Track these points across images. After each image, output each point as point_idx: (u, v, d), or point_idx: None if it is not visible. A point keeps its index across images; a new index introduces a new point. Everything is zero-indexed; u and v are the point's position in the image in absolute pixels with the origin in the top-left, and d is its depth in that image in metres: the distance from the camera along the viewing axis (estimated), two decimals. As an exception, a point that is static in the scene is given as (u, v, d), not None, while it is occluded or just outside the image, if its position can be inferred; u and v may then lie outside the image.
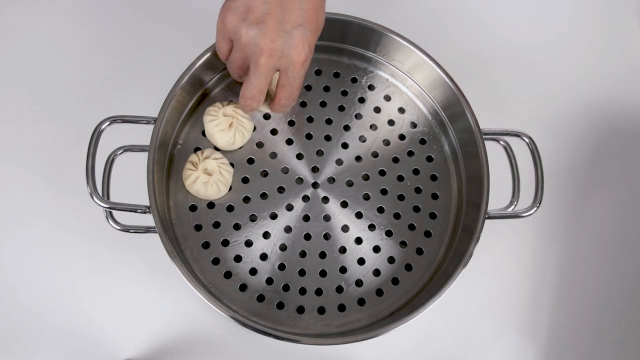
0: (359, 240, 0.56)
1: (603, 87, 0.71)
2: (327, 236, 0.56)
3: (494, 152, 0.56)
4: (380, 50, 0.61)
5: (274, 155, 0.58)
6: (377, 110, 0.61)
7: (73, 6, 0.71)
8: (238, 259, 0.55)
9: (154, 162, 0.52)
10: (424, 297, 0.54)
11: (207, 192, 0.55)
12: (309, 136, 0.59)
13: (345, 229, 0.56)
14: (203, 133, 0.58)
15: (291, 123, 0.60)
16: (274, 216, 0.56)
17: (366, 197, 0.58)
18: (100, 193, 0.51)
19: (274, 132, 0.59)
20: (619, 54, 0.73)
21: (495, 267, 0.63)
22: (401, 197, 0.58)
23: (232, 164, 0.57)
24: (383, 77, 0.62)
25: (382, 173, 0.59)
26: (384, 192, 0.58)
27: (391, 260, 0.56)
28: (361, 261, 0.56)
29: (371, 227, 0.57)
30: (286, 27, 0.47)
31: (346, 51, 0.62)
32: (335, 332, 0.53)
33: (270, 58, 0.48)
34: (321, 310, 0.54)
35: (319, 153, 0.59)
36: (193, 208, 0.56)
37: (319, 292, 0.54)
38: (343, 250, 0.56)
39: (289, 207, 0.57)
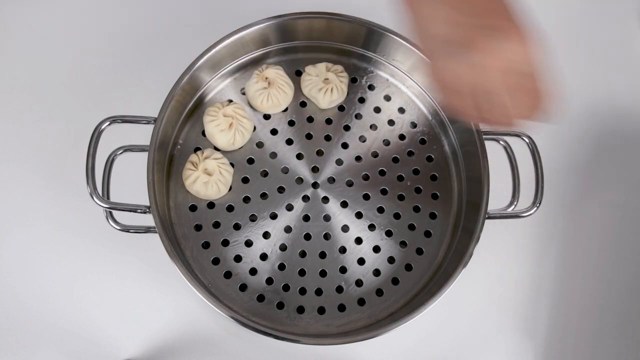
0: (359, 240, 0.56)
1: (603, 87, 0.71)
2: (327, 236, 0.56)
3: (494, 152, 0.56)
4: (380, 51, 0.61)
5: (274, 155, 0.58)
6: (377, 110, 0.61)
7: (73, 6, 0.71)
8: (238, 259, 0.55)
9: (154, 162, 0.52)
10: (424, 297, 0.54)
11: (207, 192, 0.55)
12: (309, 136, 0.59)
13: (345, 229, 0.56)
14: (203, 133, 0.58)
15: (291, 123, 0.60)
16: (274, 216, 0.56)
17: (366, 197, 0.58)
18: (100, 193, 0.51)
19: (274, 132, 0.59)
20: (619, 54, 0.73)
21: (495, 267, 0.63)
22: (401, 197, 0.58)
23: (232, 164, 0.57)
24: (383, 77, 0.62)
25: (382, 173, 0.59)
26: (384, 192, 0.58)
27: (391, 260, 0.56)
28: (361, 261, 0.56)
29: (371, 227, 0.57)
30: (488, 23, 0.39)
31: (346, 51, 0.62)
32: (335, 332, 0.53)
33: (500, 61, 0.39)
34: (321, 310, 0.54)
35: (319, 153, 0.59)
36: (193, 208, 0.56)
37: (319, 292, 0.54)
38: (343, 250, 0.56)
39: (289, 207, 0.57)
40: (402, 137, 0.60)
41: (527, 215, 0.54)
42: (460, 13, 0.39)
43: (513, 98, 0.41)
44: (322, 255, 0.55)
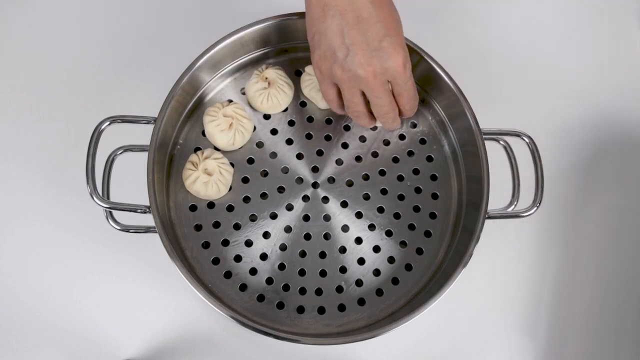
0: (359, 240, 0.56)
1: (603, 87, 0.71)
2: (327, 236, 0.56)
3: (494, 152, 0.56)
4: (380, 50, 0.61)
5: (274, 155, 0.58)
6: (377, 110, 0.61)
7: (73, 6, 0.71)
8: (238, 258, 0.55)
9: (154, 162, 0.52)
10: (424, 297, 0.54)
11: (207, 192, 0.55)
12: (309, 136, 0.59)
13: (345, 228, 0.56)
14: (203, 133, 0.58)
15: (291, 123, 0.60)
16: (274, 216, 0.56)
17: (366, 197, 0.58)
18: (100, 193, 0.51)
19: (274, 132, 0.59)
20: (619, 54, 0.73)
21: (495, 267, 0.63)
22: (401, 197, 0.58)
23: (232, 164, 0.57)
24: (383, 77, 0.62)
25: (382, 173, 0.59)
26: (384, 192, 0.58)
27: (391, 260, 0.56)
28: (361, 261, 0.56)
29: (371, 227, 0.57)
30: (374, 45, 0.48)
31: (346, 51, 0.62)
32: (335, 332, 0.53)
33: (376, 78, 0.49)
34: (321, 310, 0.54)
35: (319, 153, 0.59)
36: (193, 208, 0.56)
37: (319, 292, 0.54)
38: (343, 250, 0.56)
39: (289, 207, 0.57)
40: (402, 137, 0.60)
41: (527, 215, 0.54)
42: (358, 32, 0.48)
43: (381, 98, 0.51)
44: (322, 255, 0.55)
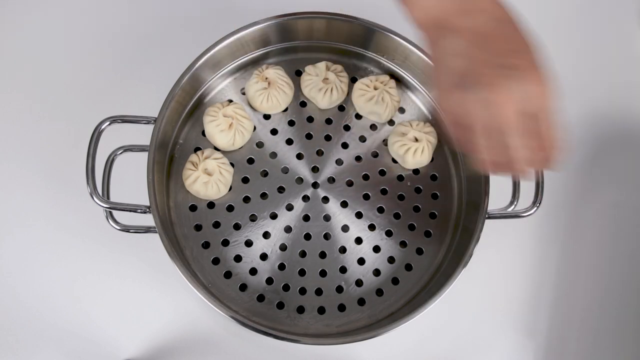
0: (359, 240, 0.56)
1: (603, 87, 0.71)
2: (327, 236, 0.56)
3: (494, 152, 0.56)
4: (380, 50, 0.61)
5: (274, 155, 0.58)
6: (377, 110, 0.61)
7: (73, 6, 0.71)
8: (238, 258, 0.55)
9: (154, 162, 0.52)
10: (424, 297, 0.54)
11: (207, 192, 0.55)
12: (309, 136, 0.59)
13: (345, 229, 0.56)
14: (203, 133, 0.58)
15: (291, 123, 0.60)
16: (274, 216, 0.56)
17: (366, 197, 0.58)
18: (100, 193, 0.51)
19: (274, 132, 0.59)
20: (619, 54, 0.73)
21: (495, 267, 0.63)
22: (401, 197, 0.58)
23: (232, 164, 0.57)
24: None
25: (382, 173, 0.59)
26: (384, 192, 0.58)
27: (391, 260, 0.56)
28: (361, 261, 0.56)
29: (371, 227, 0.57)
30: (505, 62, 0.38)
31: (346, 51, 0.62)
32: (335, 332, 0.53)
33: (512, 103, 0.38)
34: (321, 310, 0.54)
35: (319, 153, 0.59)
36: (193, 208, 0.56)
37: (319, 292, 0.54)
38: (343, 250, 0.56)
39: (289, 207, 0.57)
40: (402, 137, 0.60)
41: (527, 215, 0.54)
42: (480, 49, 0.39)
43: (525, 142, 0.40)
44: (322, 255, 0.55)
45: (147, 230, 0.52)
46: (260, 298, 0.54)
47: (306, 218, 0.56)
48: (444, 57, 0.41)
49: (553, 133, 0.41)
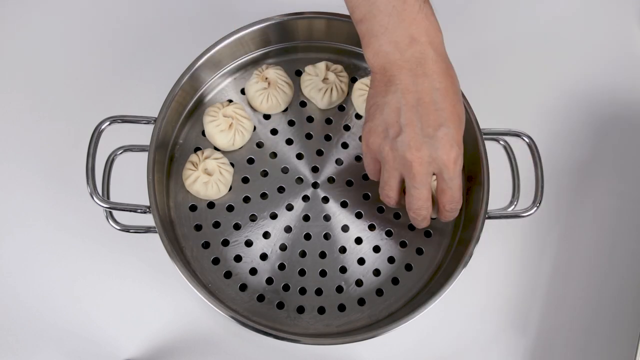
0: (359, 240, 0.56)
1: (603, 88, 0.71)
2: (327, 236, 0.56)
3: (494, 152, 0.56)
4: (380, 50, 0.61)
5: (274, 155, 0.58)
6: (377, 110, 0.61)
7: (73, 6, 0.71)
8: (238, 259, 0.55)
9: (154, 162, 0.52)
10: (424, 297, 0.54)
11: (207, 192, 0.55)
12: (308, 136, 0.59)
13: (345, 229, 0.56)
14: (203, 133, 0.58)
15: (291, 123, 0.60)
16: (274, 216, 0.56)
17: (366, 197, 0.58)
18: (100, 193, 0.51)
19: (274, 132, 0.59)
20: (619, 54, 0.73)
21: (495, 267, 0.63)
22: (401, 197, 0.58)
23: (232, 164, 0.57)
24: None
25: (382, 173, 0.59)
26: (384, 192, 0.58)
27: (391, 260, 0.56)
28: (361, 261, 0.56)
29: (371, 227, 0.57)
30: (428, 132, 0.45)
31: (346, 51, 0.62)
32: (335, 332, 0.53)
33: (421, 166, 0.46)
34: (321, 310, 0.54)
35: (319, 153, 0.59)
36: (193, 208, 0.56)
37: (319, 292, 0.54)
38: (343, 250, 0.56)
39: (289, 207, 0.57)
40: (402, 137, 0.60)
41: (527, 215, 0.54)
42: (413, 113, 0.45)
43: (423, 195, 0.48)
44: (322, 255, 0.55)
45: (147, 230, 0.52)
46: (260, 298, 0.54)
47: (306, 218, 0.56)
48: (383, 106, 0.46)
49: (450, 197, 0.49)
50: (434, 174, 0.47)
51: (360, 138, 0.59)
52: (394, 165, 0.47)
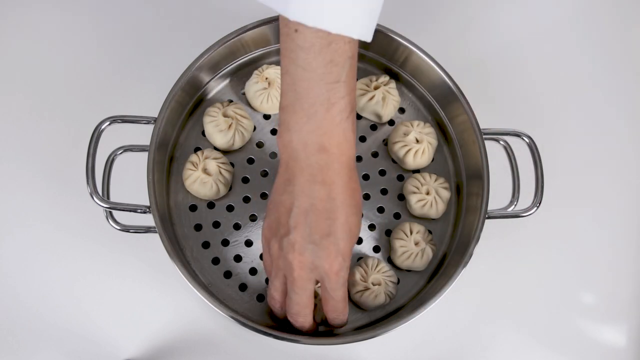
0: (359, 240, 0.56)
1: (604, 88, 0.71)
2: (327, 236, 0.56)
3: (494, 152, 0.56)
4: (380, 50, 0.61)
5: (274, 155, 0.58)
6: (377, 110, 0.61)
7: (73, 6, 0.71)
8: (238, 258, 0.55)
9: (154, 162, 0.52)
10: (424, 297, 0.54)
11: (207, 192, 0.55)
12: (309, 136, 0.59)
13: (345, 229, 0.56)
14: (203, 133, 0.58)
15: (291, 123, 0.60)
16: (274, 216, 0.56)
17: (366, 197, 0.58)
18: (100, 193, 0.51)
19: (274, 132, 0.59)
20: (621, 55, 0.73)
21: (495, 267, 0.63)
22: (401, 197, 0.58)
23: (232, 164, 0.57)
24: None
25: (382, 173, 0.59)
26: (384, 192, 0.58)
27: (391, 260, 0.56)
28: (361, 261, 0.55)
29: (371, 227, 0.57)
30: (314, 238, 0.44)
31: (346, 51, 0.62)
32: (335, 332, 0.53)
33: (302, 271, 0.45)
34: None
35: (319, 153, 0.59)
36: (193, 208, 0.56)
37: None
38: (343, 250, 0.56)
39: (289, 207, 0.56)
40: (402, 137, 0.60)
41: (527, 215, 0.54)
42: (304, 218, 0.44)
43: (302, 301, 0.47)
44: (322, 255, 0.55)
45: (147, 230, 0.52)
46: (260, 298, 0.54)
47: (306, 218, 0.56)
48: (279, 204, 0.46)
49: (332, 307, 0.48)
50: (318, 282, 0.47)
51: (360, 138, 0.59)
52: (278, 264, 0.47)
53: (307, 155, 0.44)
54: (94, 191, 0.51)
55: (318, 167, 0.44)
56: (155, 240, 0.50)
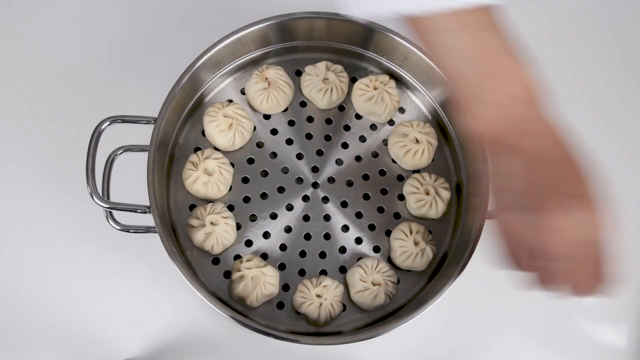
0: (359, 240, 0.56)
1: (604, 88, 0.71)
2: (327, 236, 0.56)
3: (494, 152, 0.56)
4: (380, 50, 0.61)
5: (274, 155, 0.58)
6: (377, 110, 0.61)
7: (73, 6, 0.71)
8: (238, 259, 0.55)
9: (154, 162, 0.52)
10: (424, 297, 0.54)
11: (207, 192, 0.55)
12: (309, 136, 0.59)
13: (345, 229, 0.56)
14: (203, 133, 0.58)
15: (291, 123, 0.60)
16: (274, 216, 0.56)
17: (366, 197, 0.58)
18: (100, 193, 0.51)
19: (274, 132, 0.59)
20: (621, 55, 0.73)
21: (495, 267, 0.63)
22: (401, 197, 0.58)
23: (232, 164, 0.57)
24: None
25: (382, 173, 0.59)
26: (383, 192, 0.58)
27: (391, 260, 0.56)
28: (361, 261, 0.55)
29: (371, 227, 0.57)
30: (557, 190, 0.39)
31: (346, 51, 0.62)
32: (335, 332, 0.53)
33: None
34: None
35: (319, 153, 0.59)
36: (193, 208, 0.56)
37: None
38: (343, 250, 0.56)
39: (289, 207, 0.57)
40: (402, 137, 0.60)
41: (527, 215, 0.54)
42: (535, 173, 0.39)
43: (574, 268, 0.40)
44: (322, 255, 0.55)
45: (147, 230, 0.52)
46: (260, 298, 0.54)
47: (306, 218, 0.56)
48: (501, 176, 0.41)
49: (603, 262, 0.41)
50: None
51: (360, 138, 0.59)
52: (534, 239, 0.40)
53: (506, 114, 0.41)
54: (94, 191, 0.51)
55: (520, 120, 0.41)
56: (155, 240, 0.50)
